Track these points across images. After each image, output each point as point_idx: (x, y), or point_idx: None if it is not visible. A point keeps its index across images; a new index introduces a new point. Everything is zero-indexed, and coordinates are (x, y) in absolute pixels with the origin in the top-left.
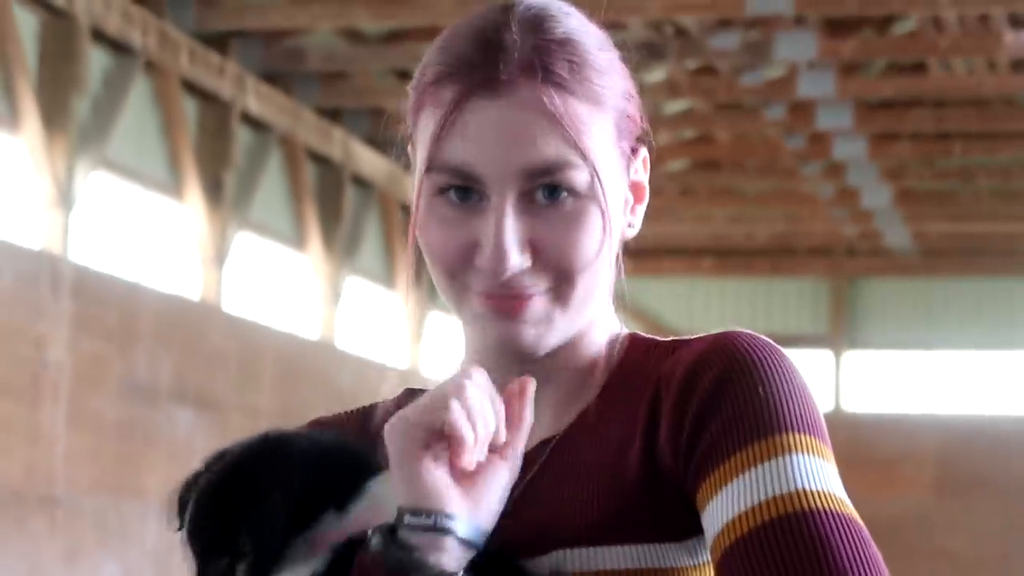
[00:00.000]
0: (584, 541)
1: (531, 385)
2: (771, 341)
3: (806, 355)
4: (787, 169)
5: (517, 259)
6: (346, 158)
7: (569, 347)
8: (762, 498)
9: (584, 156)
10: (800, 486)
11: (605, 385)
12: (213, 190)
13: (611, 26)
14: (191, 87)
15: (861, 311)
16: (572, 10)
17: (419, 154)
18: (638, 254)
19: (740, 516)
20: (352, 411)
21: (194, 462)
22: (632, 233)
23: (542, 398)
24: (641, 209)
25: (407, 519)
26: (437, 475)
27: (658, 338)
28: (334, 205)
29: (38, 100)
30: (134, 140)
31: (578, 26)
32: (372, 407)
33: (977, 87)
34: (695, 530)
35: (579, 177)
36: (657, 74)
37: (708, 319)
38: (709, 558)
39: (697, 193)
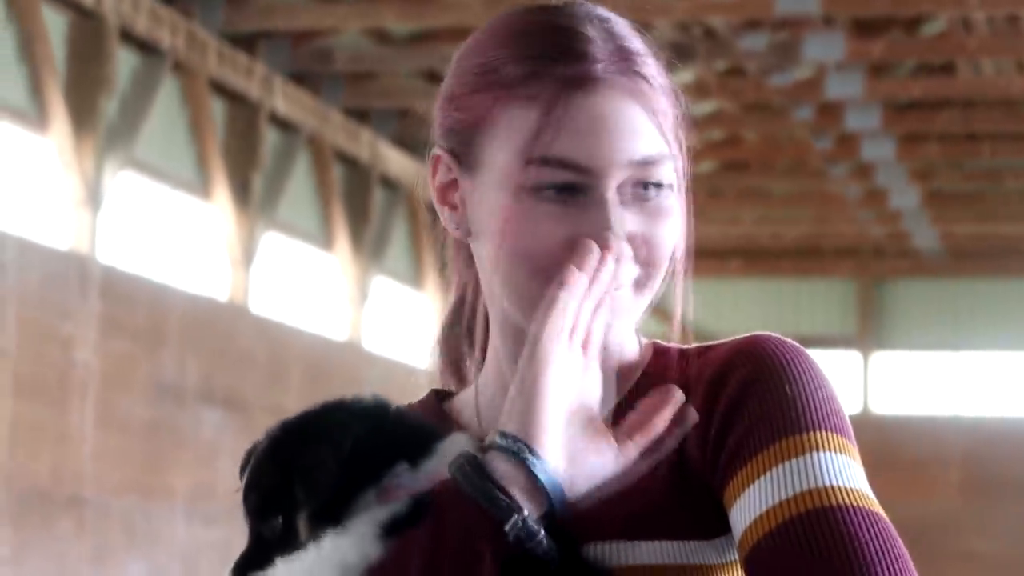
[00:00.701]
0: (618, 535)
1: (678, 396)
2: (797, 343)
3: (834, 356)
4: (815, 170)
5: (620, 246)
6: (373, 158)
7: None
8: (789, 494)
9: (670, 148)
10: (827, 482)
11: (634, 388)
12: (241, 190)
13: (638, 28)
14: (219, 88)
15: (889, 312)
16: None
17: (501, 152)
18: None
19: (767, 512)
20: None
21: (221, 463)
22: None
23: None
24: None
25: (498, 439)
26: (554, 413)
27: (680, 345)
28: (361, 205)
29: (67, 100)
30: (162, 140)
31: (635, 28)
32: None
33: (1006, 88)
34: (724, 528)
35: (669, 170)
36: (685, 75)
37: (736, 320)
38: (737, 556)
39: (725, 194)
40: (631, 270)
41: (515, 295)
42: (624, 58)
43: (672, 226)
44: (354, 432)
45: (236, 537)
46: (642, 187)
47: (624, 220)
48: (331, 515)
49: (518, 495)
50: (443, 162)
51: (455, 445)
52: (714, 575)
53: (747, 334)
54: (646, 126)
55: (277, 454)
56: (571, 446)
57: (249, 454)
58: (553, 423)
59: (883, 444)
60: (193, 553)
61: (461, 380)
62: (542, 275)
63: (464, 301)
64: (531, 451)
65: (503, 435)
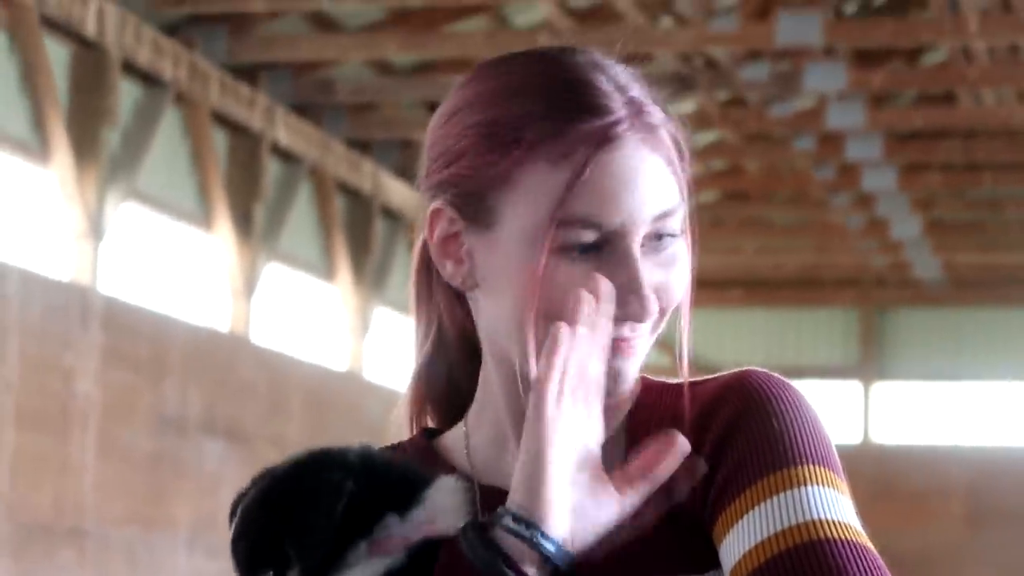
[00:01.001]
0: (608, 571)
1: (684, 445)
2: (784, 378)
3: (835, 386)
4: (817, 200)
5: (653, 302)
6: (375, 189)
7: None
8: (778, 528)
9: (680, 196)
10: (815, 516)
11: (624, 422)
12: (243, 221)
13: (641, 58)
14: (221, 119)
15: (890, 342)
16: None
17: (525, 211)
18: None
19: (757, 546)
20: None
21: (223, 494)
22: None
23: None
24: None
25: (507, 521)
26: (559, 480)
27: (669, 380)
28: (363, 236)
29: (69, 132)
30: (164, 172)
31: (632, 74)
32: (386, 448)
33: (1007, 117)
34: (714, 563)
35: (680, 218)
36: (687, 105)
37: (737, 350)
38: None
39: (726, 224)
40: (645, 324)
41: (532, 336)
42: (638, 110)
43: (682, 271)
44: (347, 492)
45: None
46: (656, 238)
47: (648, 272)
48: (323, 572)
49: (528, 569)
50: (445, 216)
51: (442, 492)
52: None
53: (736, 369)
54: (665, 178)
55: (266, 507)
56: (575, 500)
57: (236, 502)
58: (560, 492)
59: (884, 474)
60: None
61: (442, 416)
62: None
63: (443, 341)
64: (541, 532)
65: (513, 517)
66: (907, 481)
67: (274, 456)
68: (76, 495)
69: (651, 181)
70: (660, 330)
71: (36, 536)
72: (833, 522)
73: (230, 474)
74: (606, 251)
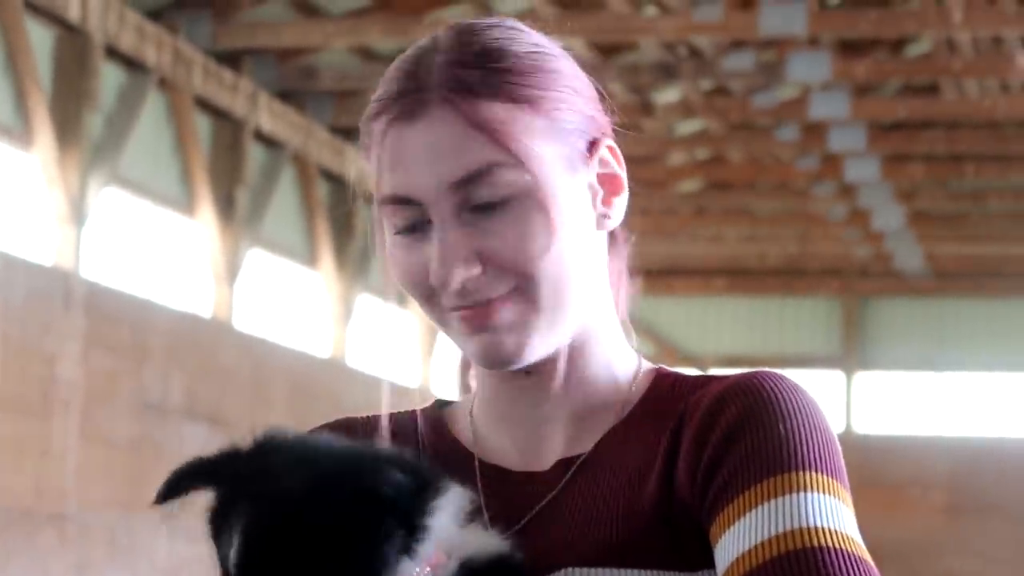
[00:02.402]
0: (596, 562)
1: None
2: (797, 382)
3: (817, 375)
4: (799, 190)
5: (460, 270)
6: (359, 175)
7: (570, 361)
8: (775, 532)
9: (511, 154)
10: (813, 523)
11: (631, 413)
12: (225, 207)
13: (624, 48)
14: (204, 104)
15: (872, 332)
16: (502, 22)
17: (374, 195)
18: (651, 273)
19: (751, 550)
20: (360, 418)
21: None
22: (611, 224)
23: (549, 417)
24: (620, 201)
25: None
26: None
27: (685, 372)
28: (346, 223)
29: (51, 116)
30: (147, 156)
31: (500, 35)
32: (377, 417)
33: (990, 109)
34: (707, 562)
35: (509, 177)
36: (671, 94)
37: (720, 339)
38: None
39: (710, 213)
40: (498, 283)
41: (428, 317)
42: (453, 79)
43: (530, 228)
44: (396, 540)
45: None
46: (475, 203)
47: (462, 244)
48: None
49: None
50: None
51: (439, 516)
52: None
53: (749, 370)
54: (468, 141)
55: (293, 543)
56: None
57: (190, 476)
58: None
59: (866, 464)
60: (176, 568)
61: (467, 386)
62: (427, 305)
63: None
64: None
65: None
66: (888, 471)
67: None
68: (58, 479)
69: (446, 148)
70: (547, 299)
71: (17, 520)
72: (831, 531)
73: None
74: (427, 224)
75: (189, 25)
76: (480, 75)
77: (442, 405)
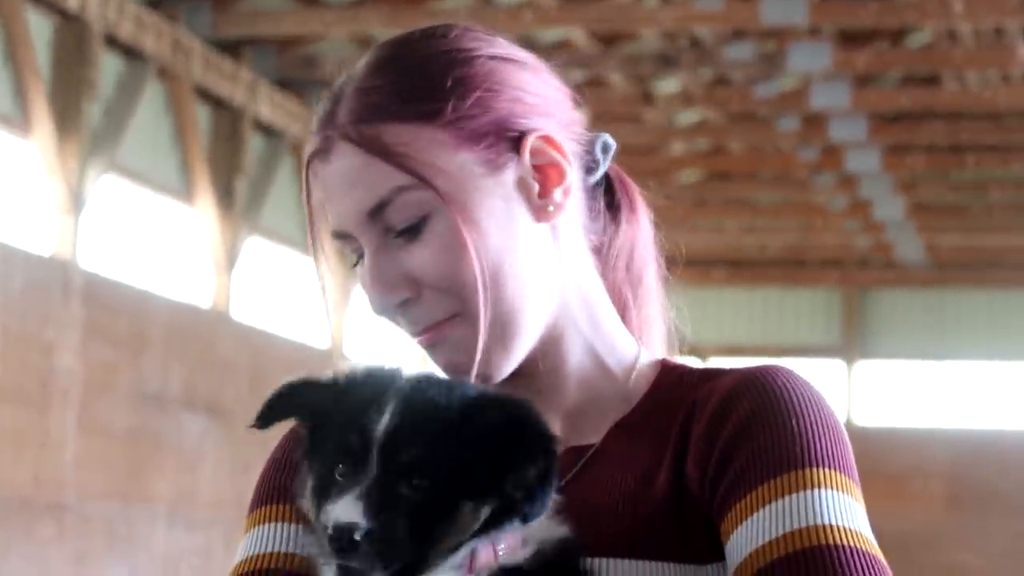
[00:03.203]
0: (606, 552)
1: None
2: (806, 378)
3: (817, 366)
4: (800, 181)
5: (390, 296)
6: None
7: (548, 357)
8: (787, 529)
9: (414, 175)
10: (826, 521)
11: (639, 404)
12: (224, 196)
13: (625, 37)
14: (204, 93)
15: (873, 322)
16: (429, 31)
17: None
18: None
19: (764, 546)
20: None
21: (203, 469)
22: (555, 214)
23: (546, 411)
24: (560, 190)
25: None
26: None
27: (691, 365)
28: None
29: (50, 105)
30: (146, 145)
31: (411, 51)
32: None
33: (991, 100)
34: (717, 555)
35: (417, 198)
36: (671, 85)
37: (720, 330)
38: None
39: (710, 204)
40: (436, 306)
41: None
42: (359, 109)
43: (451, 245)
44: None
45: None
46: (402, 226)
47: (388, 271)
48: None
49: None
50: None
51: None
52: None
53: (757, 364)
54: (371, 171)
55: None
56: None
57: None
58: None
59: (866, 455)
60: (174, 559)
61: None
62: (396, 324)
63: None
64: None
65: None
66: (889, 462)
67: (254, 432)
68: (56, 470)
69: (351, 182)
70: (488, 311)
71: (16, 510)
72: (843, 528)
73: (210, 450)
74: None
75: (188, 14)
76: (381, 99)
77: None
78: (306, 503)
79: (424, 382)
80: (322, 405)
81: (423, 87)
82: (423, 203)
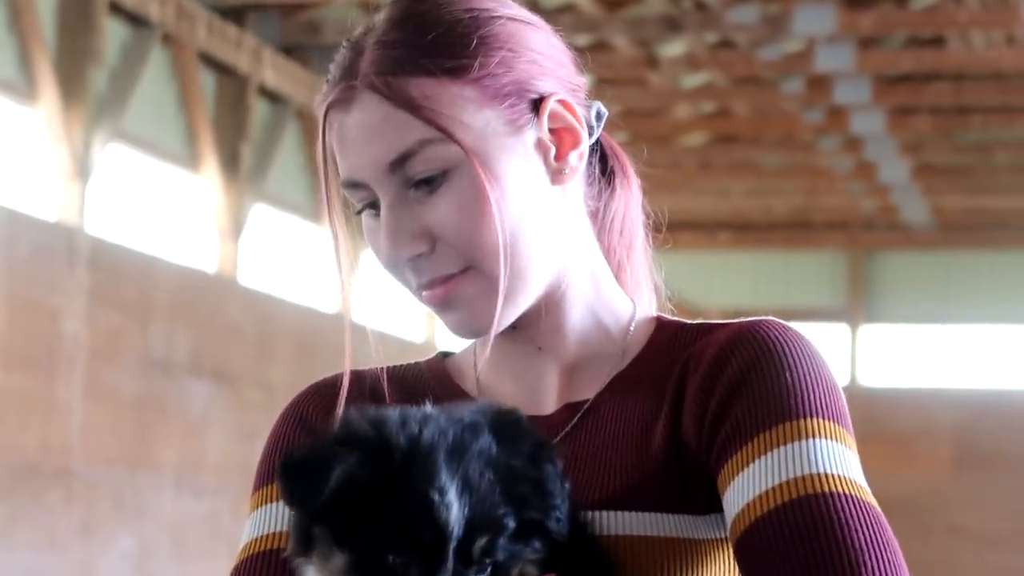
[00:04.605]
0: (606, 505)
1: None
2: (799, 331)
3: (823, 328)
4: (805, 143)
5: (407, 248)
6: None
7: (550, 315)
8: (783, 479)
9: (439, 129)
10: (821, 470)
11: (635, 360)
12: (230, 162)
13: (630, 1)
14: (208, 60)
15: (878, 285)
16: None
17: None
18: (656, 228)
19: (760, 496)
20: (368, 371)
21: (210, 435)
22: (569, 178)
23: (544, 367)
24: (576, 154)
25: None
26: None
27: (685, 320)
28: None
29: (56, 72)
30: (151, 112)
31: (431, 6)
32: (383, 370)
33: (996, 61)
34: (716, 506)
35: (441, 152)
36: (676, 48)
37: (726, 292)
38: (728, 535)
39: (715, 167)
40: (450, 261)
41: None
42: (376, 61)
43: (472, 201)
44: None
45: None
46: (424, 180)
47: (405, 223)
48: None
49: None
50: None
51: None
52: (704, 550)
53: (751, 318)
54: (395, 122)
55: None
56: None
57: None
58: None
59: (871, 417)
60: (181, 525)
61: None
62: (400, 281)
63: None
64: None
65: None
66: (894, 423)
67: (261, 398)
68: (63, 436)
69: (373, 131)
70: (502, 269)
71: (23, 477)
72: (838, 476)
73: (217, 416)
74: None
75: None
76: (406, 53)
77: (445, 356)
78: (325, 571)
79: (464, 436)
80: (358, 477)
81: (448, 43)
82: (447, 157)
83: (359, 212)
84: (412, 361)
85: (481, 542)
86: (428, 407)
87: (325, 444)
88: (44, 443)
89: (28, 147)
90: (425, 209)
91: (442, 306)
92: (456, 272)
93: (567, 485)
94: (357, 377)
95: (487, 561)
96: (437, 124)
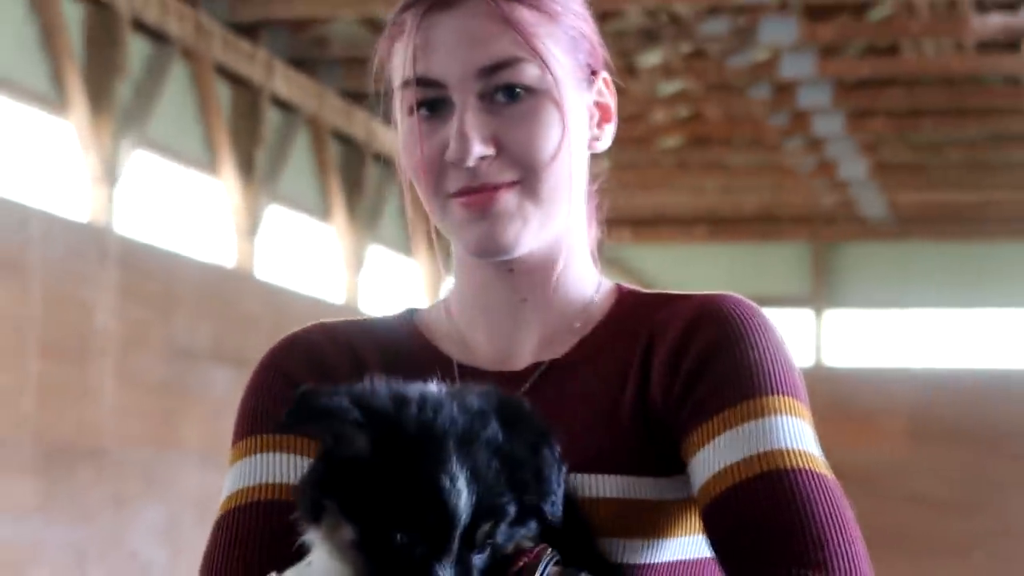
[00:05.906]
0: (579, 468)
1: None
2: (755, 305)
3: (789, 314)
4: (771, 144)
5: (479, 147)
6: (368, 136)
7: (549, 270)
8: (747, 453)
9: (534, 52)
10: (782, 445)
11: (599, 324)
12: (245, 167)
13: (611, 15)
14: (224, 72)
15: (840, 273)
16: None
17: (393, 83)
18: (638, 223)
19: (726, 469)
20: (338, 323)
21: (230, 416)
22: (601, 147)
23: (525, 320)
24: (610, 128)
25: None
26: None
27: (643, 290)
28: (357, 180)
29: (85, 85)
30: (173, 121)
31: None
32: (353, 323)
33: (946, 67)
34: (678, 469)
35: (531, 72)
36: (653, 57)
37: (702, 282)
38: (693, 495)
39: (690, 167)
40: (505, 171)
41: (428, 208)
42: None
43: (544, 124)
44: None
45: None
46: (502, 92)
47: (482, 125)
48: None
49: None
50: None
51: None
52: (672, 511)
53: (711, 292)
54: (497, 34)
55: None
56: None
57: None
58: None
59: (835, 395)
60: (205, 498)
61: None
62: (432, 191)
63: None
64: None
65: None
66: (856, 401)
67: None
68: (95, 418)
69: (476, 36)
70: (545, 194)
71: (59, 456)
72: (797, 452)
73: (236, 399)
74: (447, 109)
75: None
76: None
77: (412, 312)
78: (331, 541)
79: (473, 425)
80: (368, 453)
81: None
82: (535, 79)
83: (411, 110)
84: (379, 317)
85: (485, 527)
86: (435, 387)
87: (346, 396)
88: (78, 425)
89: (60, 155)
90: (499, 119)
91: (479, 215)
92: (505, 183)
93: (564, 468)
94: (331, 332)
95: (488, 543)
96: (536, 49)
